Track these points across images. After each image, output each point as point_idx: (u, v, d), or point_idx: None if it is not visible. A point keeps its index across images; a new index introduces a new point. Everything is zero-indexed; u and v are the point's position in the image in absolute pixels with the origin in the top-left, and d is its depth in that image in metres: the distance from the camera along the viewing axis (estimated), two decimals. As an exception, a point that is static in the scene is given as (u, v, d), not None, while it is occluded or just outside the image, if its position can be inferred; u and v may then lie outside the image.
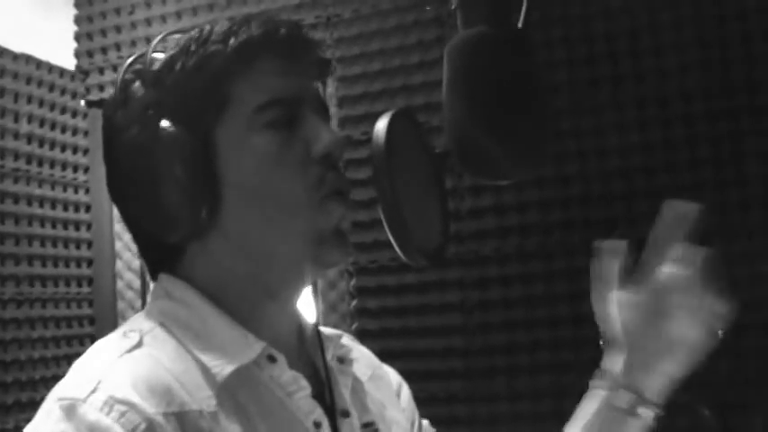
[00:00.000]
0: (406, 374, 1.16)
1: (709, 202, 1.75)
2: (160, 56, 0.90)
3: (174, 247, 0.89)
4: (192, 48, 0.89)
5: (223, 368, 0.83)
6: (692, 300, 0.94)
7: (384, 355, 1.13)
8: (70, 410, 0.76)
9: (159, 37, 0.93)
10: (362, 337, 2.03)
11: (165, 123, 0.85)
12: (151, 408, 0.76)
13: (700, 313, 0.94)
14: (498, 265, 1.99)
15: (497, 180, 1.38)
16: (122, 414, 0.75)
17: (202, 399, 0.81)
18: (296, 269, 0.91)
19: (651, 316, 0.95)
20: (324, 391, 0.94)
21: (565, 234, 1.94)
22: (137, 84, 0.91)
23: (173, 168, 0.85)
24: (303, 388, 0.89)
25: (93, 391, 0.77)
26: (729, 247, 1.79)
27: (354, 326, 2.06)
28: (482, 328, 1.99)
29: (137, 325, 0.87)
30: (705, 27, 1.86)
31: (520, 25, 1.21)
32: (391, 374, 1.13)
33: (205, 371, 0.83)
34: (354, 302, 2.07)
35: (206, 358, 0.84)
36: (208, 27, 0.91)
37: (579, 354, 1.85)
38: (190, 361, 0.84)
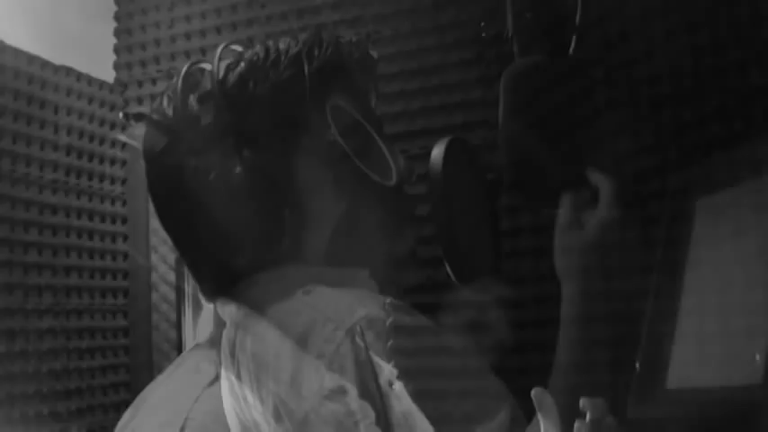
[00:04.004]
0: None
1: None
2: (212, 67, 0.88)
3: (245, 273, 0.89)
4: (262, 69, 0.86)
5: (300, 404, 0.83)
6: None
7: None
8: None
9: (219, 50, 0.91)
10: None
11: (247, 152, 0.83)
12: None
13: None
14: (534, 284, 1.98)
15: (555, 206, 1.39)
16: None
17: None
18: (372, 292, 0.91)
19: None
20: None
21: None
22: (197, 101, 0.89)
23: (257, 197, 0.84)
24: (368, 416, 0.89)
25: (183, 429, 0.77)
26: None
27: (389, 342, 2.05)
28: (516, 347, 1.98)
29: (210, 357, 0.87)
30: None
31: (571, 52, 1.22)
32: None
33: (283, 404, 0.83)
34: (389, 320, 2.06)
35: (283, 394, 0.84)
36: (273, 46, 0.88)
37: (613, 375, 1.84)
38: (266, 396, 0.84)
